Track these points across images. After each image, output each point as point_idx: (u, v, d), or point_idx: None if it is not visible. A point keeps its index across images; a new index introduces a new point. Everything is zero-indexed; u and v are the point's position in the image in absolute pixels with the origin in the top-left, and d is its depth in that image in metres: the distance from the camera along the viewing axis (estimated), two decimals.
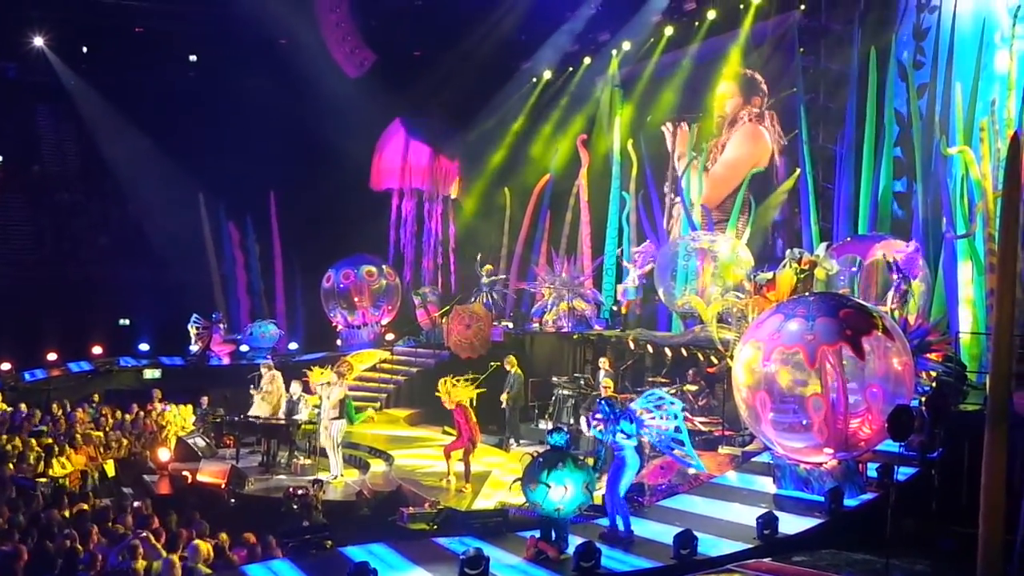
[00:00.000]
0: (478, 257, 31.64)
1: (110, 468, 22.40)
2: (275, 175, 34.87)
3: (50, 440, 21.97)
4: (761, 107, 27.89)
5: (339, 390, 22.14)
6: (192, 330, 31.86)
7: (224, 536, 14.62)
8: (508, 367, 23.94)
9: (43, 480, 19.87)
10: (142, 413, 25.82)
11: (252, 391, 24.34)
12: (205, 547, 13.52)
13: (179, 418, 25.68)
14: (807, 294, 17.86)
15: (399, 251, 37.25)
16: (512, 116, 35.55)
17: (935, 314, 20.57)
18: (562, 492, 13.16)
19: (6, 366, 29.63)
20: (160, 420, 25.41)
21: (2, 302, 33.29)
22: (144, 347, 32.97)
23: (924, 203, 22.05)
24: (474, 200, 36.87)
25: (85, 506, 16.61)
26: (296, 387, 23.43)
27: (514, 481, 14.31)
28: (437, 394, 21.05)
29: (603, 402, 14.99)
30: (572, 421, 22.76)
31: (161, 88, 35.02)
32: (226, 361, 32.19)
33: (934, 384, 16.36)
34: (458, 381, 20.87)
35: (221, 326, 32.52)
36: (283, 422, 23.08)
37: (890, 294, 18.89)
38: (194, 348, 31.83)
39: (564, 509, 13.29)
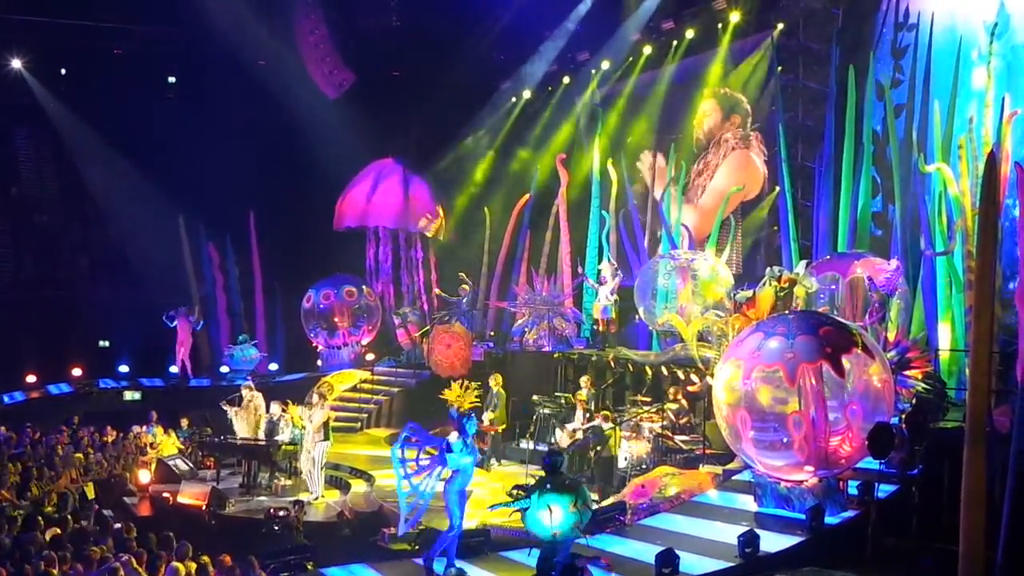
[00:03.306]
0: (460, 278, 31.40)
1: (90, 490, 22.28)
2: (255, 196, 34.82)
3: (29, 463, 21.88)
4: (742, 126, 27.94)
5: (321, 411, 22.17)
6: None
7: (205, 558, 14.57)
8: (493, 386, 23.94)
9: (23, 503, 19.77)
10: (122, 435, 25.76)
11: (225, 405, 24.17)
12: (184, 569, 13.47)
13: (166, 439, 25.61)
14: (787, 312, 17.90)
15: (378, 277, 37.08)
16: (492, 136, 35.62)
17: (915, 331, 20.63)
18: (549, 515, 13.14)
19: None
20: (139, 442, 25.31)
21: None
22: (124, 369, 32.95)
23: (902, 221, 22.14)
24: (454, 220, 36.84)
25: (64, 529, 16.55)
26: (276, 408, 23.36)
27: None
28: (446, 395, 21.15)
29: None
30: (553, 440, 22.77)
31: (140, 110, 34.88)
32: (206, 382, 32.26)
33: (914, 401, 16.41)
34: (469, 388, 21.10)
35: (191, 317, 32.64)
36: (263, 443, 23.01)
37: (868, 310, 18.96)
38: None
39: (560, 531, 13.29)
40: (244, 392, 24.21)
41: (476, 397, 22.26)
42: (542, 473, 13.89)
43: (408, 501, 14.19)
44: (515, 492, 14.08)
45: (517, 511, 13.76)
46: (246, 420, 23.71)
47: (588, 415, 21.52)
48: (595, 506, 14.66)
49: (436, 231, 36.45)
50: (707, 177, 28.94)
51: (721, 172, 28.58)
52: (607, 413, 21.04)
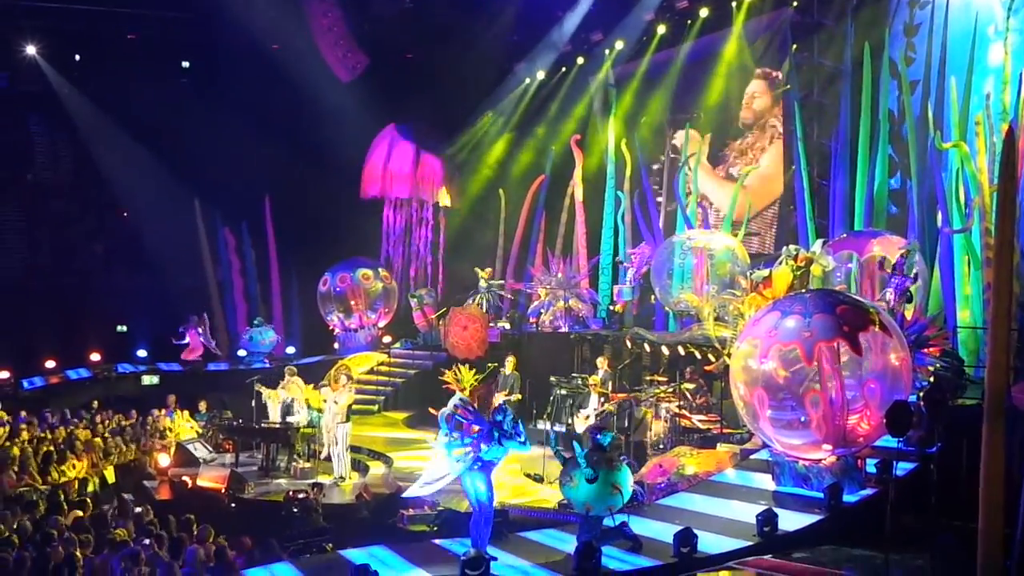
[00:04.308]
0: (476, 270, 31.41)
1: (110, 474, 22.39)
2: (270, 180, 34.96)
3: (50, 447, 21.98)
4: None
5: (347, 394, 22.18)
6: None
7: (223, 540, 14.64)
8: (509, 367, 23.96)
9: (44, 488, 19.87)
10: (140, 419, 25.86)
11: (259, 387, 23.88)
12: (204, 551, 13.53)
13: (185, 424, 25.70)
14: (804, 291, 17.86)
15: (389, 260, 37.27)
16: (506, 117, 35.60)
17: (932, 309, 20.57)
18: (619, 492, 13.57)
19: (4, 375, 29.70)
20: (159, 425, 25.40)
21: None
22: (142, 353, 33.04)
23: (919, 199, 22.06)
24: (468, 202, 36.89)
25: (85, 513, 16.65)
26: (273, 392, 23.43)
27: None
28: (447, 384, 21.23)
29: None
30: (570, 421, 22.78)
31: (154, 95, 34.95)
32: (224, 366, 32.33)
33: (932, 379, 16.37)
34: (470, 370, 21.15)
35: (199, 328, 32.48)
36: (282, 426, 23.04)
37: (888, 291, 18.89)
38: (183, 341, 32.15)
39: (594, 508, 13.63)
40: (288, 376, 24.09)
41: (476, 378, 22.29)
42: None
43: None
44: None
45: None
46: (297, 400, 23.59)
47: (603, 399, 21.51)
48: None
49: (448, 198, 36.80)
50: (751, 160, 28.70)
51: (767, 158, 28.35)
52: (637, 395, 21.05)
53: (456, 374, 21.12)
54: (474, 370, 21.60)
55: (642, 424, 20.24)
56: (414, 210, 37.23)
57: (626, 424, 20.53)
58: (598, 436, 14.11)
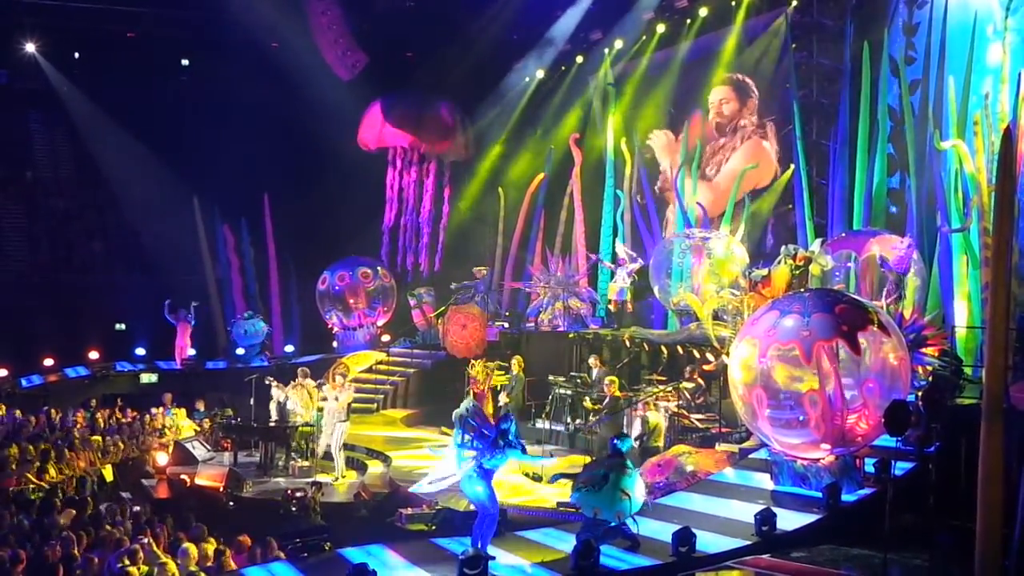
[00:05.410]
0: (473, 270, 31.39)
1: (108, 473, 22.36)
2: (269, 178, 34.88)
3: (48, 446, 21.96)
4: (757, 112, 27.87)
5: (347, 392, 22.18)
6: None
7: (214, 540, 14.60)
8: (515, 368, 23.99)
9: (42, 486, 19.86)
10: (139, 417, 25.84)
11: (273, 383, 23.76)
12: (195, 550, 13.50)
13: (181, 421, 25.69)
14: (802, 290, 17.86)
15: (393, 231, 37.26)
16: (505, 116, 35.58)
17: (931, 309, 20.56)
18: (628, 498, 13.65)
19: (3, 372, 29.71)
20: (156, 423, 25.37)
21: None
22: (140, 351, 33.01)
23: (918, 198, 22.06)
24: (468, 201, 36.87)
25: (83, 511, 16.63)
26: (288, 388, 23.39)
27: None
28: (471, 372, 21.29)
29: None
30: (570, 420, 22.80)
31: (154, 93, 35.03)
32: (222, 364, 32.27)
33: (930, 378, 16.37)
34: (493, 367, 21.17)
35: (190, 317, 32.33)
36: (280, 424, 23.03)
37: (885, 290, 18.93)
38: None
39: (602, 512, 13.65)
40: (300, 376, 24.04)
41: (506, 379, 22.38)
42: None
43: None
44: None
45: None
46: (300, 400, 23.55)
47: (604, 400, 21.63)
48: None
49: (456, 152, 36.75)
50: (723, 158, 28.80)
51: (736, 156, 28.43)
52: (636, 394, 21.07)
53: (479, 370, 21.22)
54: (500, 371, 21.74)
55: (655, 431, 20.16)
56: (415, 171, 37.02)
57: (635, 429, 20.54)
58: (616, 442, 14.11)
